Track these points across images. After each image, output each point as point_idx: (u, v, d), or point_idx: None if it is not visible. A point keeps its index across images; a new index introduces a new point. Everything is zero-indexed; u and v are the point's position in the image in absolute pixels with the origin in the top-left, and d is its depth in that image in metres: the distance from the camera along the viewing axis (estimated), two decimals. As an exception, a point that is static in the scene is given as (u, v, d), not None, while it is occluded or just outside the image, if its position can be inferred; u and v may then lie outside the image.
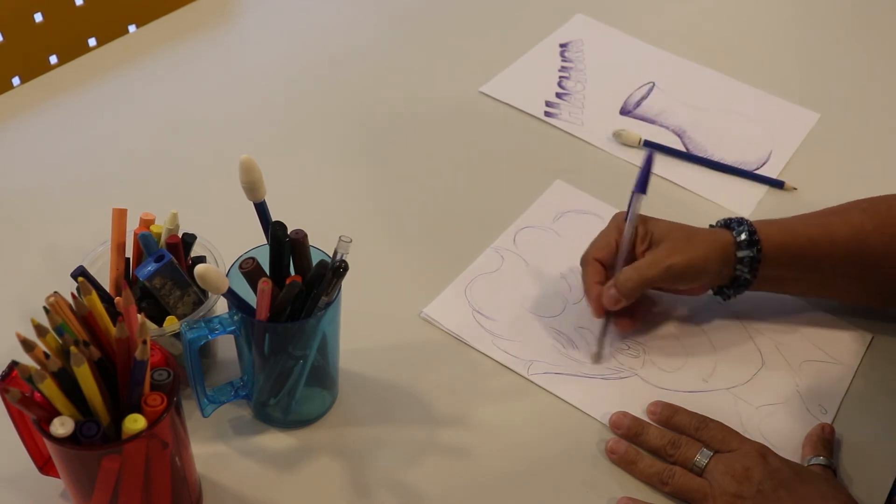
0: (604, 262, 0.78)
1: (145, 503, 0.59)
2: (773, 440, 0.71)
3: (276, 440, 0.70)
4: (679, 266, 0.75)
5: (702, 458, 0.68)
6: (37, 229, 0.84)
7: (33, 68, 1.02)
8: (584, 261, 0.79)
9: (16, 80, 1.04)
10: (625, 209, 0.91)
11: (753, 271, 0.77)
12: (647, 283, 0.75)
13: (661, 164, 0.96)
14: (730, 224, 0.78)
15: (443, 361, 0.76)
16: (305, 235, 0.65)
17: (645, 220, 0.78)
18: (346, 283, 0.64)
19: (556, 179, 0.93)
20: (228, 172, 0.66)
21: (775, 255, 0.76)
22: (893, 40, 1.18)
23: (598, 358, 0.77)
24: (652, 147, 0.97)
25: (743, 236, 0.76)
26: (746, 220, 0.77)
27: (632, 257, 0.77)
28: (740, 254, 0.76)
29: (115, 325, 0.54)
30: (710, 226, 0.80)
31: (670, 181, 0.94)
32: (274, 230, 0.64)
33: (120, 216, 0.69)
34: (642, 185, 0.77)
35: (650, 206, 0.82)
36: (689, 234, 0.77)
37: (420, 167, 0.94)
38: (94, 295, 0.55)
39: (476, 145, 0.97)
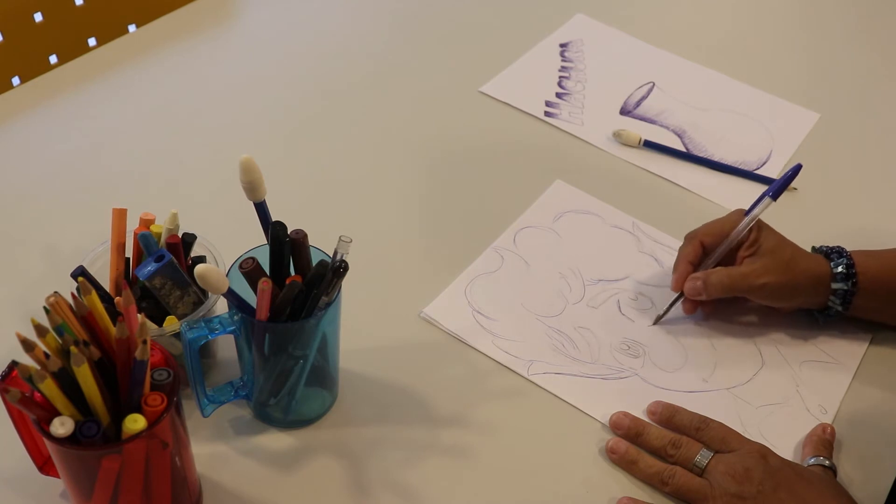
0: (707, 246, 0.80)
1: (145, 503, 0.59)
2: (773, 440, 0.71)
3: (276, 440, 0.70)
4: (770, 287, 0.76)
5: (702, 458, 0.68)
6: (37, 229, 0.84)
7: (33, 68, 1.02)
8: (690, 237, 0.81)
9: (16, 80, 1.04)
10: (625, 210, 0.91)
11: (846, 304, 0.77)
12: (734, 291, 0.77)
13: (661, 164, 0.96)
14: (829, 254, 0.78)
15: (443, 361, 0.76)
16: (305, 235, 0.65)
17: (760, 227, 0.79)
18: (346, 283, 0.64)
19: (556, 179, 0.93)
20: (228, 172, 0.66)
21: (871, 288, 0.77)
22: (893, 40, 1.18)
23: (658, 320, 0.80)
24: (652, 147, 0.97)
25: (840, 269, 0.76)
26: (846, 252, 0.78)
27: (733, 256, 0.79)
28: (835, 286, 0.76)
29: (115, 325, 0.54)
30: (813, 248, 0.80)
31: (670, 181, 0.94)
32: (274, 230, 0.64)
33: (120, 216, 0.69)
34: (776, 192, 0.79)
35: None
36: (792, 258, 0.77)
37: (420, 167, 0.94)
38: (94, 295, 0.55)
39: (476, 145, 0.97)
